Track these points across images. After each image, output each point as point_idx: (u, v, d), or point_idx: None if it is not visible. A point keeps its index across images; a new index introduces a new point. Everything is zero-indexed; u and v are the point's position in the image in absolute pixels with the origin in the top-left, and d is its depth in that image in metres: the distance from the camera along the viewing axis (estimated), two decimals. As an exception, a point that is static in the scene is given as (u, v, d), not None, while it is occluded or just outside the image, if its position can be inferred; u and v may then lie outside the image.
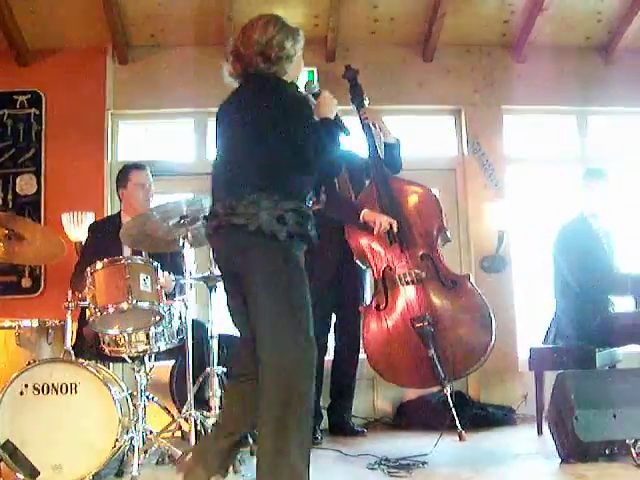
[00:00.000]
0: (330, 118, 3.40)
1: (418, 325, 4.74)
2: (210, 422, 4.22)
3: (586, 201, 5.38)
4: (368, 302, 5.10)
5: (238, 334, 3.52)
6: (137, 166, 5.35)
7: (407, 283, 4.85)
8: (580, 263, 5.11)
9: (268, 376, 3.10)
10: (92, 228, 5.35)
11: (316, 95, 3.53)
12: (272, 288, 3.16)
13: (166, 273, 4.57)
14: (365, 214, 4.97)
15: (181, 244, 4.21)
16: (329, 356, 5.62)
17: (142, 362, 4.40)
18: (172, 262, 4.65)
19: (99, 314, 4.11)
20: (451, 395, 4.89)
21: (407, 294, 4.83)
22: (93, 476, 3.79)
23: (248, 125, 3.30)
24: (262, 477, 3.03)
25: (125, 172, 5.29)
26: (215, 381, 4.36)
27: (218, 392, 4.37)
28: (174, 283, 4.62)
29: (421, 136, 7.18)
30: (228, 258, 3.34)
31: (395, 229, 4.91)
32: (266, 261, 3.18)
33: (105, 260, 4.21)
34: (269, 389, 3.08)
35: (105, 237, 4.94)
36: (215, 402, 4.36)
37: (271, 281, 3.17)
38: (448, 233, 5.17)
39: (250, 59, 3.42)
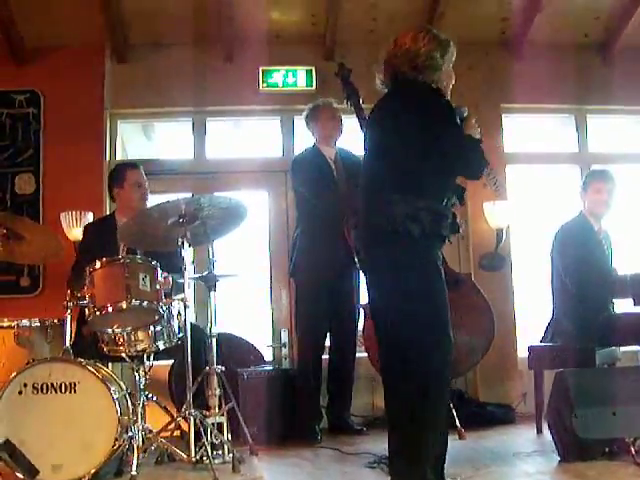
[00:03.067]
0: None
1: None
2: (209, 421, 4.22)
3: (589, 201, 5.34)
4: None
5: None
6: (133, 165, 5.29)
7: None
8: (578, 264, 5.09)
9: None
10: (87, 229, 5.34)
11: (462, 119, 3.49)
12: (403, 287, 3.27)
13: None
14: None
15: (180, 243, 4.19)
16: (327, 355, 5.64)
17: (141, 361, 4.41)
18: (170, 261, 4.63)
19: (98, 313, 4.11)
20: (450, 393, 4.90)
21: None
22: (92, 475, 3.77)
23: (392, 131, 3.41)
24: None
25: (120, 171, 5.19)
26: (214, 380, 4.36)
27: (217, 391, 4.37)
28: (170, 282, 4.60)
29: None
30: (365, 255, 3.49)
31: None
32: (398, 259, 3.28)
33: (104, 259, 4.21)
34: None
35: (101, 238, 4.91)
36: (214, 401, 4.35)
37: (402, 279, 3.27)
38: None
39: (399, 67, 3.49)
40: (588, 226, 5.26)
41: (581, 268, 5.06)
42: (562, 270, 5.17)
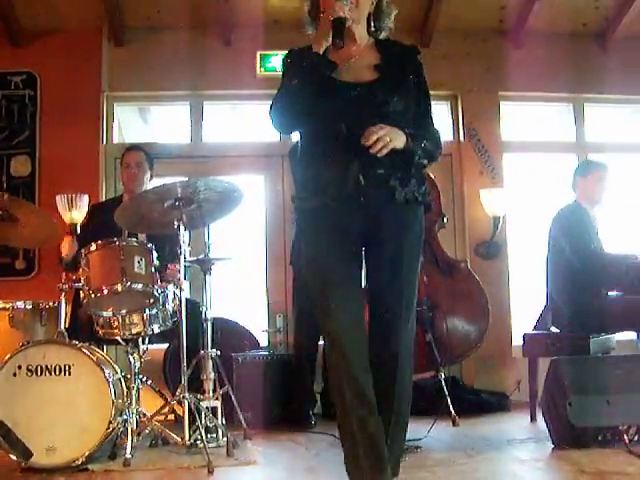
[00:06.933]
0: None
1: (417, 309, 4.75)
2: (204, 405, 4.22)
3: (588, 189, 5.39)
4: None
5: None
6: (127, 147, 5.51)
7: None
8: (582, 241, 5.11)
9: None
10: (92, 209, 5.34)
11: None
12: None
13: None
14: None
15: (176, 226, 4.18)
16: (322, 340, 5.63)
17: (136, 344, 4.41)
18: (170, 245, 4.62)
19: (93, 296, 4.11)
20: (445, 380, 4.92)
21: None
22: (86, 458, 3.78)
23: None
24: None
25: (122, 154, 5.39)
26: (209, 364, 4.37)
27: (212, 375, 4.38)
28: (179, 274, 4.55)
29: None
30: None
31: None
32: None
33: (99, 242, 4.21)
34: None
35: (105, 219, 4.91)
36: (209, 385, 4.36)
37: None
38: (445, 219, 5.18)
39: None
40: (586, 212, 5.30)
41: (583, 254, 5.08)
42: (569, 249, 5.17)
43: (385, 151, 2.80)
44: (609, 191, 5.44)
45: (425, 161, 3.01)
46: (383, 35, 3.23)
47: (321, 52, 2.93)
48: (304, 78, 2.97)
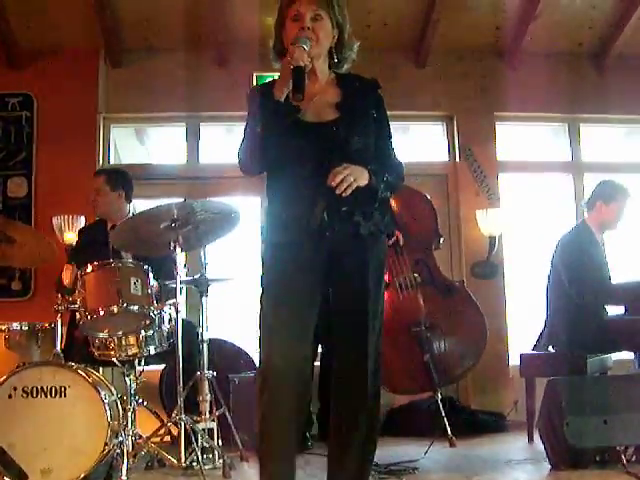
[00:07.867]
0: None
1: (415, 329, 4.76)
2: (200, 427, 4.20)
3: (606, 214, 5.26)
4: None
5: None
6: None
7: (403, 287, 4.86)
8: (581, 273, 5.07)
9: None
10: (80, 232, 5.38)
11: None
12: None
13: None
14: None
15: (172, 248, 4.18)
16: (317, 361, 5.61)
17: (132, 366, 4.39)
18: (160, 265, 4.62)
19: (89, 317, 4.10)
20: (442, 401, 4.90)
21: (403, 298, 4.84)
22: (82, 480, 3.76)
23: None
24: None
25: None
26: (205, 385, 4.35)
27: (208, 396, 4.36)
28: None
29: (413, 142, 7.19)
30: None
31: (401, 242, 4.94)
32: None
33: (95, 263, 4.20)
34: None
35: (92, 241, 4.94)
36: (205, 407, 4.34)
37: None
38: (441, 240, 5.18)
39: None
40: (592, 236, 5.24)
41: (583, 277, 5.05)
42: (565, 277, 5.14)
43: (350, 190, 2.82)
44: (625, 219, 5.34)
45: (388, 194, 3.03)
46: (345, 67, 3.23)
47: (282, 99, 2.92)
48: (267, 123, 2.97)
